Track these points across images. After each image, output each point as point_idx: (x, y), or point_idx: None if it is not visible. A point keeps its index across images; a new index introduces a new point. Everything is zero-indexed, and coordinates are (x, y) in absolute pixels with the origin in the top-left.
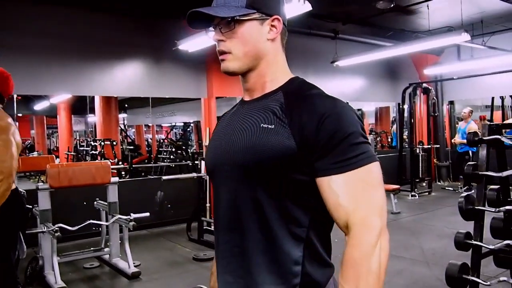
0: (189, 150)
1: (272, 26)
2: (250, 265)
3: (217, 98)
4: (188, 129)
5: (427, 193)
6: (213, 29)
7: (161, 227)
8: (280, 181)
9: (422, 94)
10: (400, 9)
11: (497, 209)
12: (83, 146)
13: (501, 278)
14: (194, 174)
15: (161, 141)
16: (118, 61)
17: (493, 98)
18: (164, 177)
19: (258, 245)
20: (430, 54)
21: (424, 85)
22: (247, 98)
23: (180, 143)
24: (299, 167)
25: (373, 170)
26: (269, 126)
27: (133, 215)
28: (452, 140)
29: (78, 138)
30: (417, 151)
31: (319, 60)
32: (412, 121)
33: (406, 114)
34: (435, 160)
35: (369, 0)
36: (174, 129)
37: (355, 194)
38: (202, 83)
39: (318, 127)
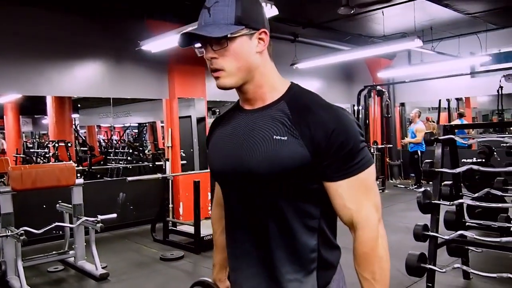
0: (145, 151)
1: (260, 39)
2: (273, 259)
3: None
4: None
5: (381, 191)
6: (202, 47)
7: (124, 228)
8: (294, 186)
9: (376, 96)
10: (358, 15)
11: (451, 202)
12: (30, 148)
13: (455, 265)
14: (159, 175)
15: (114, 142)
16: (78, 60)
17: (440, 100)
18: (129, 178)
19: (278, 241)
20: (383, 58)
21: (378, 87)
22: (248, 107)
23: (137, 144)
24: (310, 174)
25: (370, 172)
26: (282, 138)
27: (100, 217)
28: (402, 141)
29: (25, 140)
30: (372, 151)
31: (279, 63)
32: (367, 122)
33: (361, 115)
34: (387, 159)
35: (330, 6)
36: (126, 130)
37: (357, 197)
38: (164, 84)
39: (327, 139)
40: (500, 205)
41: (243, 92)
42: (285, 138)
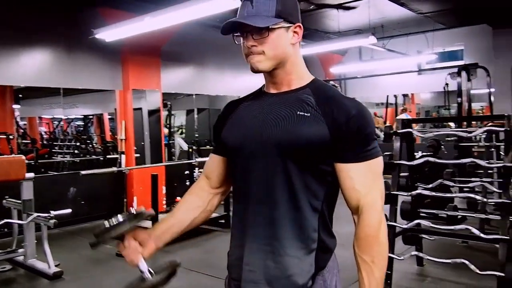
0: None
1: (295, 32)
2: (278, 232)
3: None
4: (89, 123)
5: None
6: (242, 35)
7: (75, 224)
8: (308, 163)
9: None
10: (314, 11)
11: (409, 193)
12: None
13: (413, 253)
14: (115, 169)
15: (58, 134)
16: (25, 47)
17: (387, 96)
18: (83, 172)
19: (286, 214)
20: (335, 54)
21: (332, 82)
22: (273, 91)
23: (85, 136)
24: (326, 154)
25: (380, 162)
26: (305, 114)
27: (53, 212)
28: None
29: None
30: None
31: (236, 56)
32: None
33: None
34: None
35: None
36: (71, 122)
37: (367, 182)
38: (118, 74)
39: (347, 122)
40: (455, 195)
41: (272, 76)
42: (308, 114)
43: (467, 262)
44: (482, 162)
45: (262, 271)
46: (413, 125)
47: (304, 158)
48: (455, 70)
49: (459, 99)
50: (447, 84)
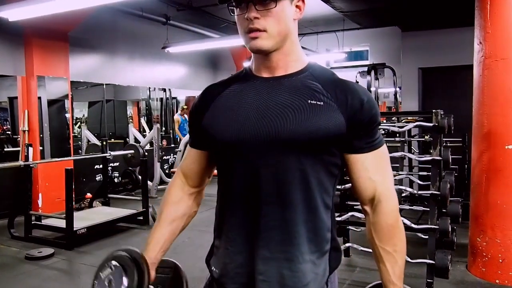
0: None
1: (297, 6)
2: (294, 236)
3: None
4: None
5: None
6: (242, 5)
7: None
8: (322, 154)
9: None
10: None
11: (342, 186)
12: None
13: (347, 245)
14: (21, 163)
15: None
16: None
17: None
18: None
19: (301, 215)
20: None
21: None
22: (266, 75)
23: None
24: (340, 145)
25: (386, 148)
26: (318, 103)
27: None
28: None
29: None
30: None
31: (148, 45)
32: None
33: None
34: None
35: None
36: None
37: (380, 169)
38: (20, 59)
39: (361, 108)
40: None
41: (267, 58)
42: (321, 103)
43: None
44: (413, 156)
45: (277, 281)
46: None
47: (320, 152)
48: (364, 69)
49: None
50: (356, 82)
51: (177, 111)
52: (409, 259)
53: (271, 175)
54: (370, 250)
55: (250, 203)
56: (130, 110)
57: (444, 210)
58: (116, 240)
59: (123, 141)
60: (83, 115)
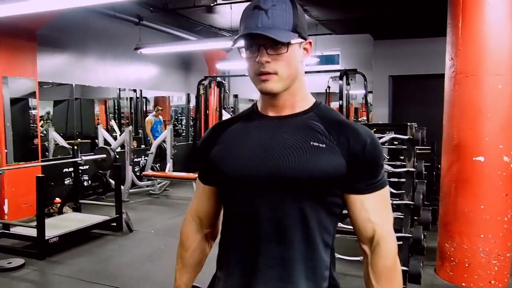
0: None
1: (305, 49)
2: (292, 274)
3: None
4: None
5: None
6: (251, 48)
7: None
8: (323, 194)
9: (216, 87)
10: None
11: None
12: None
13: None
14: None
15: None
16: None
17: None
18: None
19: (300, 254)
20: (220, 50)
21: (218, 79)
22: (272, 114)
23: None
24: (340, 186)
25: (388, 189)
26: (320, 145)
27: None
28: None
29: None
30: None
31: (120, 45)
32: (207, 112)
33: (192, 106)
34: None
35: None
36: None
37: (381, 211)
38: None
39: (363, 151)
40: None
41: (275, 98)
42: (323, 145)
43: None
44: (388, 167)
45: None
46: None
47: (320, 193)
48: (337, 74)
49: (340, 102)
50: (328, 87)
51: (146, 111)
52: None
53: (271, 213)
54: (350, 258)
55: (249, 240)
56: (98, 109)
57: (416, 218)
58: (90, 248)
59: (90, 141)
60: (47, 113)
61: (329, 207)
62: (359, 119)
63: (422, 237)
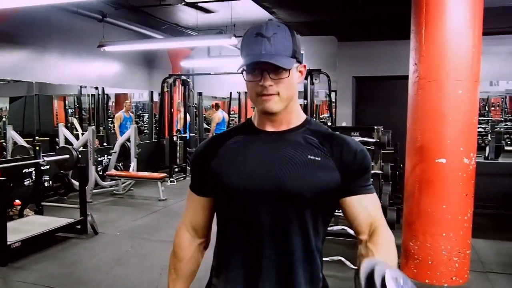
0: None
1: (300, 71)
2: (293, 277)
3: None
4: None
5: (182, 178)
6: (253, 72)
7: None
8: (321, 204)
9: (180, 85)
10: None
11: None
12: None
13: None
14: None
15: None
16: None
17: (231, 92)
18: None
19: (300, 258)
20: (185, 48)
21: (183, 77)
22: (270, 129)
23: None
24: (337, 192)
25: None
26: (316, 158)
27: None
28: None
29: None
30: (175, 140)
31: (82, 42)
32: (171, 111)
33: (156, 103)
34: (188, 148)
35: None
36: None
37: (376, 209)
38: None
39: (354, 158)
40: None
41: (274, 115)
42: (319, 158)
43: (343, 259)
44: None
45: None
46: None
47: (319, 204)
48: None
49: (305, 101)
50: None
51: (108, 108)
52: (350, 265)
53: (274, 222)
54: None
55: (252, 247)
56: (57, 105)
57: None
58: (54, 252)
59: (48, 138)
60: (3, 109)
61: (325, 215)
62: (321, 116)
63: None
